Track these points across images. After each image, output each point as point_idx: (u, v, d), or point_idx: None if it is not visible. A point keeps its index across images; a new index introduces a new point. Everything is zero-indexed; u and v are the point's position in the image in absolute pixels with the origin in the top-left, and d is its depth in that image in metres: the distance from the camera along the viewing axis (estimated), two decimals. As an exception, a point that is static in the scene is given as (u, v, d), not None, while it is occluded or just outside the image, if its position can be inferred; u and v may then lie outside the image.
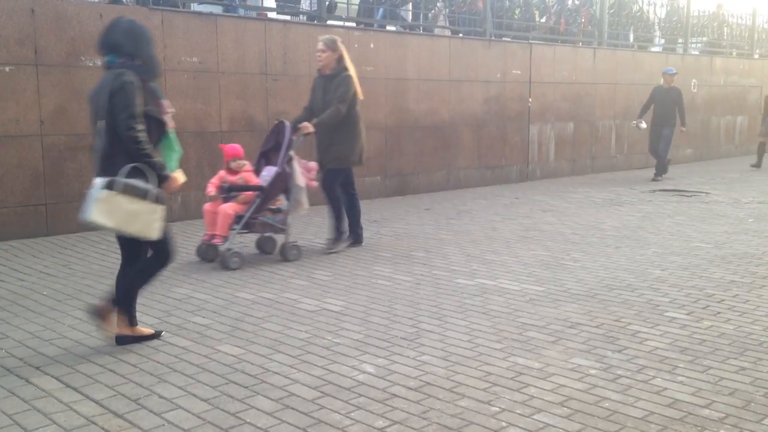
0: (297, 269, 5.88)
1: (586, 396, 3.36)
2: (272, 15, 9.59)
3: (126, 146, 3.71)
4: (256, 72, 8.56)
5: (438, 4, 11.65)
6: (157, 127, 3.86)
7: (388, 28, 10.59)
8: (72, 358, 3.86)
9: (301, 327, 4.38)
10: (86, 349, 4.00)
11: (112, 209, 3.68)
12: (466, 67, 10.89)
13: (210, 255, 6.04)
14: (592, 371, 3.66)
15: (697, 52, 16.65)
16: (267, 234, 6.34)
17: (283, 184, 6.04)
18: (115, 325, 4.01)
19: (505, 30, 12.15)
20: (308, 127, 6.16)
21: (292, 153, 6.04)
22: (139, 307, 4.15)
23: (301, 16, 9.91)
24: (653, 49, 15.62)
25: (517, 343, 4.08)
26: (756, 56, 17.69)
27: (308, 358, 3.84)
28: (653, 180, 12.03)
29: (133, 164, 3.72)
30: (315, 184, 6.38)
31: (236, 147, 6.24)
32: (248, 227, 6.03)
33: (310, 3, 9.94)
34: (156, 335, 4.15)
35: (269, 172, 6.09)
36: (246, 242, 6.61)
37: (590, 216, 8.55)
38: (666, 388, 3.44)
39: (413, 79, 10.22)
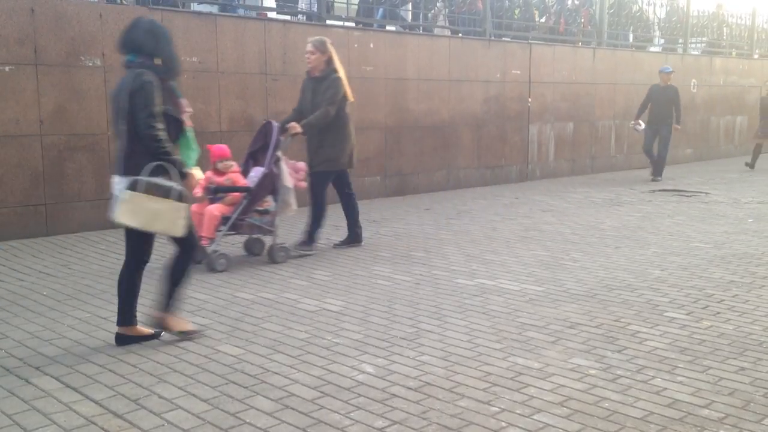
0: (297, 269, 5.88)
1: (585, 396, 3.36)
2: (272, 15, 9.59)
3: (147, 145, 3.78)
4: (255, 72, 8.56)
5: (438, 4, 11.65)
6: (175, 126, 3.93)
7: (388, 28, 10.59)
8: (71, 358, 3.86)
9: (300, 327, 4.38)
10: (86, 349, 4.00)
11: (137, 209, 3.77)
12: (465, 67, 10.89)
13: (196, 257, 5.94)
14: (592, 371, 3.66)
15: (697, 52, 16.65)
16: (255, 236, 6.26)
17: (270, 185, 5.96)
18: (179, 324, 4.12)
19: (504, 30, 12.16)
20: (296, 127, 6.10)
21: (279, 154, 5.97)
22: (139, 308, 4.15)
23: (300, 16, 9.91)
24: (653, 49, 15.62)
25: (516, 343, 4.08)
26: (756, 56, 17.70)
27: (308, 358, 3.84)
28: (652, 180, 12.03)
29: (156, 163, 3.79)
30: (303, 185, 6.31)
31: (223, 147, 6.17)
32: (235, 229, 5.95)
33: (310, 3, 9.94)
34: (155, 335, 4.14)
35: (257, 172, 6.04)
36: (234, 244, 6.53)
37: (590, 216, 8.55)
38: (665, 388, 3.44)
39: (413, 79, 10.22)
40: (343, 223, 6.90)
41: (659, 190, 10.84)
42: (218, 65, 8.22)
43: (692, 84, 15.17)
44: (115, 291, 5.10)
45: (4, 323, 4.46)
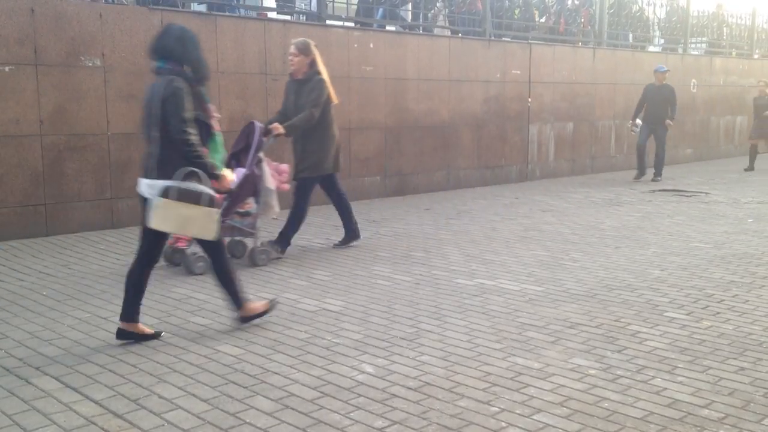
0: (296, 269, 5.88)
1: (585, 396, 3.36)
2: (272, 15, 9.59)
3: (179, 150, 3.91)
4: (255, 72, 8.56)
5: (437, 4, 11.65)
6: (204, 131, 4.06)
7: (388, 28, 10.59)
8: (71, 358, 3.86)
9: (300, 327, 4.38)
10: (86, 349, 4.00)
11: (169, 215, 3.90)
12: (465, 67, 10.89)
13: (176, 258, 5.85)
14: (592, 371, 3.66)
15: (697, 53, 16.64)
16: (236, 238, 6.14)
17: (251, 186, 5.82)
18: (254, 307, 4.36)
19: (504, 30, 12.15)
20: (278, 128, 5.99)
21: (261, 155, 5.85)
22: (145, 311, 4.15)
23: (301, 16, 9.91)
24: (653, 49, 15.62)
25: (516, 343, 4.08)
26: (756, 56, 17.69)
27: (308, 358, 3.84)
28: (653, 180, 12.03)
29: (187, 168, 3.92)
30: (286, 187, 6.18)
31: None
32: None
33: (310, 3, 9.94)
34: (156, 335, 4.15)
35: (239, 174, 5.90)
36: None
37: (590, 216, 8.55)
38: (665, 388, 3.44)
39: (413, 79, 10.22)
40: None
41: (659, 190, 10.84)
42: (218, 65, 8.22)
43: (692, 84, 15.17)
44: (115, 291, 5.14)
45: (4, 323, 4.46)
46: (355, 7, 10.39)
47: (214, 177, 4.06)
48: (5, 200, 6.90)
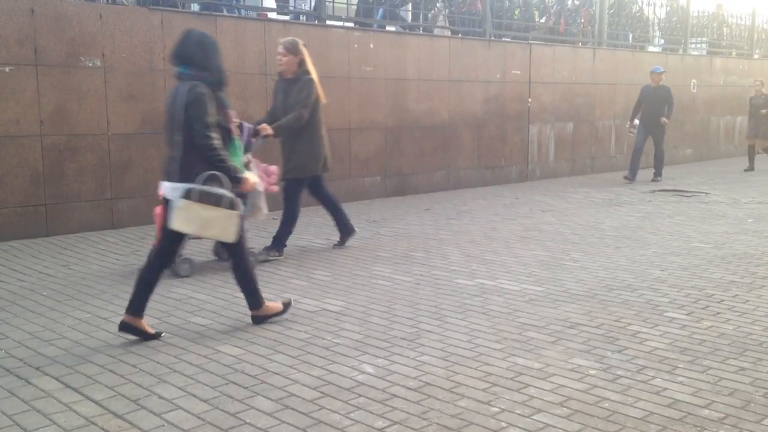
0: (296, 269, 5.88)
1: (585, 396, 3.36)
2: (272, 15, 9.60)
3: (202, 154, 3.99)
4: (255, 72, 8.56)
5: (437, 5, 11.65)
6: (225, 135, 4.14)
7: (388, 28, 10.59)
8: (71, 358, 3.86)
9: (300, 327, 4.38)
10: (86, 349, 4.00)
11: (191, 216, 3.98)
12: (465, 68, 10.89)
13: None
14: (592, 371, 3.66)
15: (697, 53, 16.64)
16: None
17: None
18: (273, 308, 4.45)
19: (504, 30, 12.15)
20: (266, 128, 5.95)
21: (249, 156, 5.75)
22: (153, 315, 4.15)
23: (301, 16, 9.91)
24: (653, 49, 15.61)
25: (516, 344, 4.08)
26: (756, 56, 17.69)
27: (308, 359, 3.84)
28: (653, 180, 12.02)
29: (209, 172, 3.99)
30: (275, 188, 6.10)
31: None
32: None
33: (310, 3, 9.94)
34: (156, 336, 4.15)
35: None
36: (205, 248, 6.38)
37: (590, 216, 8.55)
38: (666, 389, 3.44)
39: (413, 79, 10.22)
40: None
41: (659, 190, 10.84)
42: (218, 65, 8.21)
43: (692, 84, 15.17)
44: (115, 291, 5.15)
45: (4, 323, 4.46)
46: (355, 7, 10.39)
47: (236, 180, 4.14)
48: (5, 200, 6.90)
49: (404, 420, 3.11)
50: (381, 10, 10.39)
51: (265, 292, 5.11)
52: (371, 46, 9.70)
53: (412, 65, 10.20)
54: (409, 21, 11.38)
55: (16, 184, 6.96)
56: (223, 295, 5.11)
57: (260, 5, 9.53)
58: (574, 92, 12.72)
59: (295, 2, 9.88)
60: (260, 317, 4.42)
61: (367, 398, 3.33)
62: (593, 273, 5.74)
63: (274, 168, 6.20)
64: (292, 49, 6.14)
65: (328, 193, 6.62)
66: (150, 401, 3.31)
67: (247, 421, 3.11)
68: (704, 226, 7.85)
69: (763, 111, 13.57)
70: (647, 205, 9.46)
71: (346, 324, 4.44)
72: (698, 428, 3.04)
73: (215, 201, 3.99)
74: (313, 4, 9.71)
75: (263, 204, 5.88)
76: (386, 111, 9.94)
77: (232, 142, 4.27)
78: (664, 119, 11.81)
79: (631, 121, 12.13)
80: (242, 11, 9.26)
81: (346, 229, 6.73)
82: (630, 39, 14.89)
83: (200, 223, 4.00)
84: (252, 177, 4.36)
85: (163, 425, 3.07)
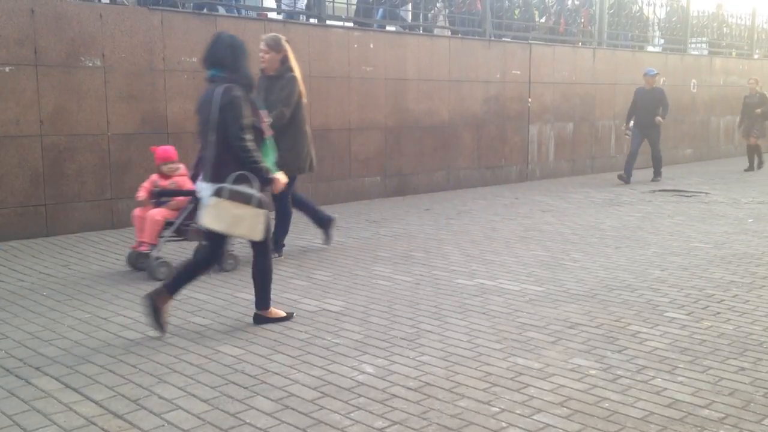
0: (297, 269, 5.88)
1: (585, 396, 3.36)
2: (272, 15, 9.59)
3: (236, 155, 4.09)
4: (255, 72, 8.51)
5: (437, 5, 11.65)
6: (257, 136, 4.24)
7: (388, 28, 10.59)
8: (71, 358, 3.86)
9: (300, 327, 4.38)
10: (86, 349, 4.00)
11: (221, 214, 4.09)
12: (465, 67, 10.89)
13: (140, 263, 5.69)
14: (592, 371, 3.66)
15: (697, 53, 16.64)
16: (204, 242, 6.02)
17: None
18: (278, 313, 4.51)
19: (504, 30, 12.15)
20: None
21: None
22: (138, 309, 4.15)
23: (301, 16, 9.90)
24: (653, 49, 15.61)
25: (516, 344, 4.08)
26: (756, 56, 17.69)
27: (308, 359, 3.84)
28: (652, 180, 12.02)
29: (239, 172, 4.09)
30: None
31: (168, 149, 5.95)
32: (182, 234, 5.63)
33: (307, 3, 9.93)
34: (162, 330, 4.19)
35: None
36: (186, 250, 6.26)
37: (590, 216, 8.55)
38: (666, 389, 3.44)
39: (413, 79, 10.22)
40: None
41: (659, 190, 10.84)
42: (218, 65, 8.21)
43: (692, 84, 15.16)
44: (114, 291, 5.16)
45: (4, 323, 4.46)
46: (355, 7, 10.39)
47: (268, 181, 4.25)
48: (5, 201, 6.90)
49: (404, 420, 3.11)
50: (381, 10, 10.39)
51: (265, 292, 5.13)
52: (371, 46, 9.70)
53: (412, 65, 10.20)
54: (409, 21, 11.38)
55: (16, 184, 6.96)
56: (223, 295, 5.11)
57: (260, 5, 9.52)
58: (574, 92, 12.72)
59: (295, 3, 9.87)
60: (263, 318, 4.44)
61: (367, 398, 3.33)
62: (593, 273, 5.74)
63: None
64: (275, 46, 6.02)
65: (296, 193, 6.47)
66: (150, 401, 3.31)
67: (247, 421, 3.11)
68: (704, 226, 7.85)
69: (758, 110, 13.54)
70: (647, 205, 9.46)
71: (346, 324, 4.44)
72: (698, 428, 3.04)
73: (245, 200, 4.09)
74: (304, 4, 9.70)
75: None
76: (386, 111, 9.94)
77: (264, 143, 4.37)
78: (658, 118, 11.74)
79: (627, 123, 12.10)
80: (242, 11, 9.25)
81: (323, 223, 6.64)
82: (630, 39, 14.89)
83: (230, 220, 4.09)
84: (282, 177, 4.42)
85: (163, 425, 3.07)
